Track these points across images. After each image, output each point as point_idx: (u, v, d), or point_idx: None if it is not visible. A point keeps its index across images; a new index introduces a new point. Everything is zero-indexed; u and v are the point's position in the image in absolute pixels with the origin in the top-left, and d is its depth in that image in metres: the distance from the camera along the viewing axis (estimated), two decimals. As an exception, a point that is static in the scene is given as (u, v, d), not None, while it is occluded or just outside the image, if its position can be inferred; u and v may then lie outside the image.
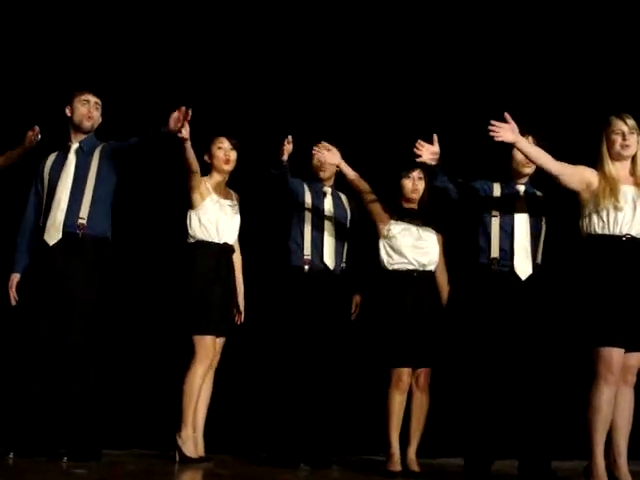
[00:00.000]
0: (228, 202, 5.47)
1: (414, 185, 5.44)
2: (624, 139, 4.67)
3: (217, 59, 6.34)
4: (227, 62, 6.33)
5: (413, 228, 5.39)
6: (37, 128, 5.24)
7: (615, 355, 4.50)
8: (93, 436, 5.02)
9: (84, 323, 5.03)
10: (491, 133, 4.65)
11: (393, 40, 6.44)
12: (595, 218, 4.63)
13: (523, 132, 4.88)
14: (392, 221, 5.42)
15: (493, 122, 4.65)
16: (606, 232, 4.61)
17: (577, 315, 4.63)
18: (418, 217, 5.45)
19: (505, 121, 4.67)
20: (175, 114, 4.93)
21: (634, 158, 4.71)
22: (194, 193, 5.36)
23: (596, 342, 4.53)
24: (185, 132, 5.01)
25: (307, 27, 6.41)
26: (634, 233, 4.60)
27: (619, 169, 4.69)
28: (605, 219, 4.61)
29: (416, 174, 5.42)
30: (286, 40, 6.41)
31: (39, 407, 5.03)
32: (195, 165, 5.28)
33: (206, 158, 5.48)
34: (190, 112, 4.89)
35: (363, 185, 5.47)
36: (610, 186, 4.62)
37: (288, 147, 5.31)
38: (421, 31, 6.44)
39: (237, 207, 5.52)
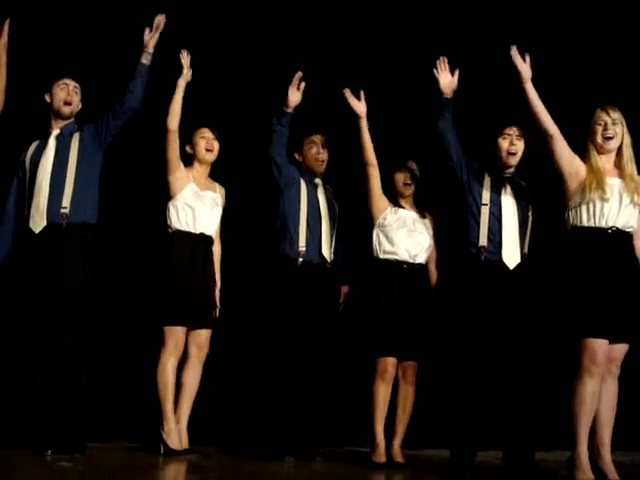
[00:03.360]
0: (209, 193, 5.46)
1: (407, 178, 5.45)
2: (605, 129, 4.68)
3: (201, 48, 6.30)
4: (211, 52, 6.28)
5: (408, 219, 5.41)
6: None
7: (599, 346, 4.52)
8: (77, 429, 4.99)
9: (72, 314, 5.00)
10: (514, 57, 4.76)
11: (383, 31, 6.42)
12: (581, 210, 4.65)
13: (507, 123, 4.95)
14: (389, 209, 5.43)
15: (514, 49, 4.78)
16: (592, 224, 4.62)
17: (562, 306, 4.65)
18: (413, 209, 5.47)
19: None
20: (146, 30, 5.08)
21: (620, 150, 4.72)
22: (174, 180, 5.33)
23: (580, 333, 4.54)
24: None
25: (295, 14, 6.38)
26: (620, 225, 4.62)
27: (605, 162, 4.71)
28: (591, 211, 4.62)
29: (408, 166, 5.45)
30: (274, 27, 6.36)
31: (24, 399, 5.02)
32: (178, 113, 5.28)
33: (188, 149, 5.46)
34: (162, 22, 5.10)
35: (373, 156, 5.41)
36: (596, 178, 4.64)
37: (297, 94, 5.32)
38: (412, 22, 6.43)
39: (220, 200, 5.50)
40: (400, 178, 5.45)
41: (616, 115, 4.70)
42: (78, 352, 5.01)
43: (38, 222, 5.07)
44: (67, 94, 5.23)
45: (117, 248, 5.92)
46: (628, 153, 4.72)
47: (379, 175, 5.42)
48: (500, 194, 5.03)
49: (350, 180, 5.75)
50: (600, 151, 4.71)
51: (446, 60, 5.03)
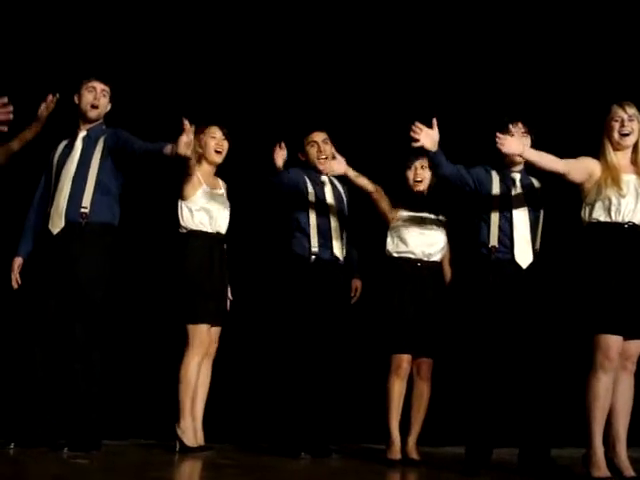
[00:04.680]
0: (218, 191, 5.46)
1: (417, 175, 5.43)
2: (622, 125, 4.67)
3: (211, 48, 6.33)
4: (221, 50, 6.32)
5: (420, 217, 5.40)
6: (51, 96, 5.22)
7: (613, 342, 4.51)
8: (94, 426, 5.01)
9: (89, 313, 5.02)
10: (498, 145, 4.70)
11: (392, 31, 6.44)
12: (597, 206, 4.64)
13: (513, 120, 4.93)
14: (399, 210, 5.43)
15: (498, 135, 4.72)
16: (608, 220, 4.61)
17: (576, 302, 4.64)
18: (425, 206, 5.45)
19: (428, 128, 4.79)
20: (184, 138, 4.82)
21: (635, 147, 4.71)
22: (186, 184, 5.34)
23: (595, 329, 4.54)
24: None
25: (302, 16, 6.40)
26: (636, 221, 4.61)
27: (620, 158, 4.69)
28: (607, 207, 4.61)
29: (418, 163, 5.41)
30: (281, 28, 6.40)
31: (41, 397, 5.04)
32: (195, 169, 5.27)
33: (197, 147, 5.42)
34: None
35: (370, 187, 5.41)
36: (612, 175, 4.63)
37: (282, 153, 5.28)
38: (420, 22, 6.44)
39: (225, 195, 5.50)
40: (411, 175, 5.44)
41: (633, 111, 4.68)
42: (91, 351, 5.02)
43: (56, 223, 5.09)
44: (94, 97, 5.24)
45: (128, 248, 5.88)
46: None
47: (384, 195, 5.42)
48: (510, 192, 5.01)
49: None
50: (616, 147, 4.70)
51: (419, 125, 4.87)
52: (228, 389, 5.67)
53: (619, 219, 4.60)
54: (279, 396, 5.40)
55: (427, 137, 4.87)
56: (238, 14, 6.38)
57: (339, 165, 5.39)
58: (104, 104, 5.28)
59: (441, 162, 4.94)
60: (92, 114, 5.25)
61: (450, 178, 4.99)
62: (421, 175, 5.44)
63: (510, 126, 5.02)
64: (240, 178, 5.75)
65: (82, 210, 5.07)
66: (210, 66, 6.30)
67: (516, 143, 4.74)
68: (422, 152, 5.19)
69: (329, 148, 5.57)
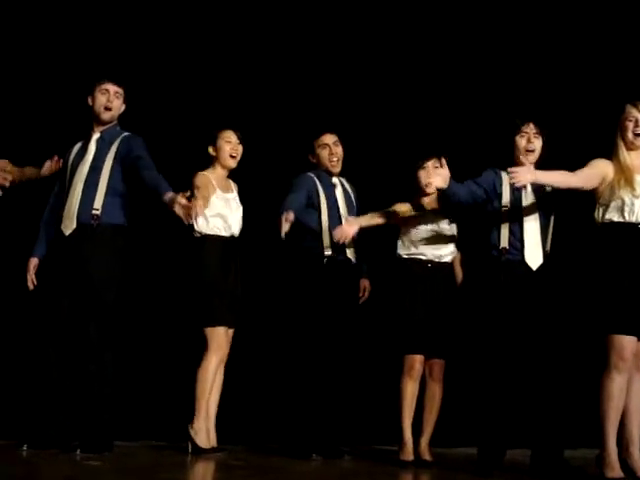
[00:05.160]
0: (231, 195, 5.46)
1: (430, 176, 5.41)
2: (636, 125, 4.65)
3: (223, 51, 6.34)
4: (232, 53, 6.33)
5: (430, 219, 5.39)
6: (56, 158, 5.24)
7: (627, 343, 4.50)
8: (106, 428, 5.02)
9: (101, 314, 5.03)
10: (511, 180, 4.71)
11: (402, 32, 6.43)
12: (610, 206, 4.63)
13: (524, 121, 4.93)
14: (410, 210, 5.41)
15: (510, 170, 4.73)
16: (621, 220, 4.60)
17: (589, 303, 4.63)
18: (435, 208, 5.43)
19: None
20: (184, 212, 4.79)
21: None
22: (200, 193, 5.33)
23: (608, 329, 4.52)
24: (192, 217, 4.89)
25: (312, 19, 6.40)
26: None
27: (634, 158, 4.68)
28: (621, 207, 4.60)
29: (431, 164, 5.37)
30: (291, 31, 6.40)
31: (54, 399, 5.04)
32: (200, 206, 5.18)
33: (211, 151, 5.45)
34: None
35: (382, 221, 5.40)
36: (625, 176, 4.62)
37: (286, 225, 5.19)
38: (431, 22, 6.43)
39: (237, 198, 5.50)
40: (423, 176, 5.41)
41: None
42: (104, 351, 5.03)
43: (68, 224, 5.12)
44: (107, 100, 5.24)
45: (143, 251, 5.92)
46: None
47: (395, 217, 5.40)
48: (520, 194, 4.99)
49: (370, 176, 5.77)
50: (630, 147, 4.69)
51: (432, 170, 4.98)
52: (240, 390, 5.67)
53: (632, 219, 4.59)
54: (291, 397, 5.40)
55: (439, 177, 4.88)
56: (249, 17, 6.38)
57: (350, 229, 5.30)
58: (117, 106, 5.28)
59: (455, 192, 4.94)
60: (105, 116, 5.26)
61: (464, 201, 5.00)
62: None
63: (521, 128, 5.01)
64: (252, 179, 5.74)
65: (94, 212, 5.09)
66: (221, 69, 6.30)
67: (527, 173, 4.73)
68: (435, 153, 5.22)
69: (340, 150, 5.59)
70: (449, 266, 5.39)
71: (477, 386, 5.02)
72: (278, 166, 6.05)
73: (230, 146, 5.44)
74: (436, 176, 4.89)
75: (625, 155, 4.68)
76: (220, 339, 5.26)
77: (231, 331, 5.37)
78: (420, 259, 5.34)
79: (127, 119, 5.37)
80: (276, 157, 6.14)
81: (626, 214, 4.59)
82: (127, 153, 5.15)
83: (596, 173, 4.70)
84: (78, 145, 5.31)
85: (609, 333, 4.51)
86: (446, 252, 5.37)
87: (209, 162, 5.47)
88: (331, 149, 5.56)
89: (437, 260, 5.34)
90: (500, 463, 4.90)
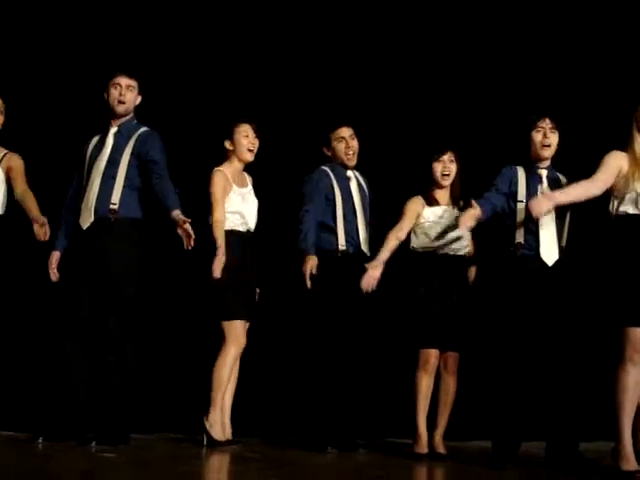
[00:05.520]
0: (247, 189, 5.48)
1: (445, 169, 5.41)
2: None
3: (239, 43, 6.35)
4: (248, 43, 6.32)
5: (444, 214, 5.38)
6: (45, 224, 5.10)
7: None
8: (121, 420, 5.05)
9: (121, 306, 5.07)
10: (530, 213, 4.74)
11: (418, 24, 6.43)
12: (625, 199, 4.62)
13: (540, 116, 4.91)
14: (423, 209, 5.40)
15: (529, 205, 4.76)
16: (636, 212, 4.60)
17: (605, 295, 4.62)
18: (449, 201, 5.44)
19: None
20: (184, 234, 4.93)
21: None
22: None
23: (624, 322, 4.51)
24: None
25: (328, 10, 6.40)
26: None
27: None
28: (635, 200, 4.60)
29: (447, 157, 5.39)
30: (309, 23, 6.40)
31: (69, 392, 5.08)
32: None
33: (227, 145, 5.45)
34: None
35: (398, 241, 5.36)
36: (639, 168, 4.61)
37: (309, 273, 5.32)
38: (444, 16, 6.43)
39: (252, 191, 5.51)
40: (438, 169, 5.41)
41: None
42: (125, 344, 5.08)
43: (86, 218, 5.16)
44: (120, 94, 5.27)
45: (160, 245, 5.85)
46: None
47: (408, 228, 5.38)
48: (536, 189, 5.00)
49: (384, 169, 5.77)
50: None
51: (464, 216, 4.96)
52: (255, 383, 5.68)
53: None
54: (306, 390, 5.41)
55: (471, 219, 4.92)
56: (266, 8, 6.38)
57: (376, 273, 5.26)
58: (131, 99, 5.31)
59: (486, 218, 5.00)
60: (119, 109, 5.28)
61: (493, 215, 5.03)
62: (449, 169, 5.42)
63: (537, 123, 5.00)
64: (267, 172, 5.75)
65: (111, 206, 5.13)
66: (237, 61, 6.31)
67: (544, 202, 4.75)
68: (451, 145, 5.27)
69: (356, 143, 5.59)
70: (463, 259, 5.39)
71: (492, 379, 5.02)
72: (293, 158, 6.05)
73: (248, 140, 5.44)
74: (470, 219, 4.93)
75: None
76: (237, 332, 5.28)
77: (247, 324, 5.38)
78: (434, 253, 5.34)
79: (144, 112, 5.40)
80: (291, 149, 6.13)
81: None
82: (143, 152, 5.19)
83: (611, 173, 4.70)
84: (96, 138, 5.35)
85: (624, 326, 4.51)
86: (461, 246, 5.36)
87: (224, 156, 5.47)
88: (347, 142, 5.57)
89: (452, 253, 5.34)
90: (515, 456, 4.90)
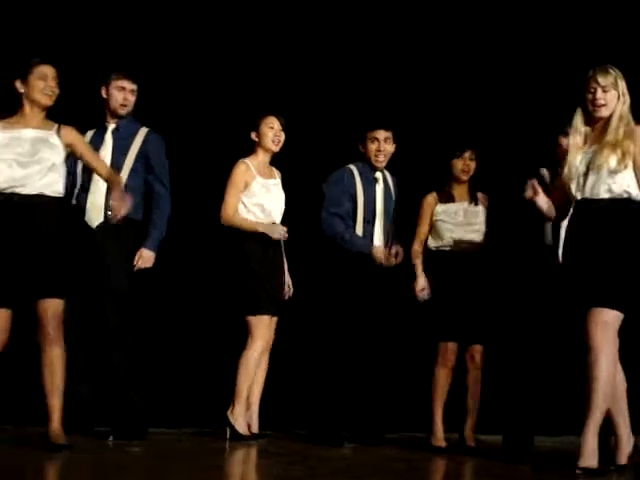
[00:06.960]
0: (272, 181, 5.53)
1: (465, 166, 5.46)
2: None
3: (271, 37, 6.35)
4: (281, 39, 6.33)
5: (459, 211, 5.44)
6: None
7: None
8: (137, 415, 5.15)
9: (116, 300, 5.16)
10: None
11: (441, 22, 6.42)
12: None
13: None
14: (439, 204, 5.48)
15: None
16: None
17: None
18: (466, 197, 5.49)
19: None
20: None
21: None
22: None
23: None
24: None
25: (349, 10, 6.43)
26: None
27: None
28: None
29: (468, 155, 5.45)
30: (348, 18, 6.41)
31: (79, 385, 5.18)
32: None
33: (253, 136, 5.50)
34: None
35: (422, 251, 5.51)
36: None
37: None
38: (465, 13, 6.42)
39: (280, 184, 5.58)
40: (458, 165, 5.46)
41: None
42: (125, 336, 5.16)
43: (95, 217, 5.23)
44: (124, 98, 5.33)
45: (184, 239, 5.98)
46: None
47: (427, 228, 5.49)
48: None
49: (405, 170, 5.82)
50: None
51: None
52: (274, 377, 5.72)
53: None
54: (323, 385, 5.48)
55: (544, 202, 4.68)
56: (303, 6, 6.41)
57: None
58: (133, 102, 5.37)
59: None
60: (122, 111, 5.34)
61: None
62: (469, 166, 5.47)
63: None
64: (294, 167, 5.83)
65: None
66: (268, 55, 6.31)
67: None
68: (473, 144, 5.31)
69: (389, 147, 5.63)
70: (479, 255, 5.41)
71: (505, 374, 5.07)
72: (321, 154, 6.10)
73: (273, 132, 5.49)
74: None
75: None
76: (264, 327, 5.36)
77: (275, 319, 5.47)
78: (451, 250, 5.41)
79: (169, 107, 5.59)
80: (320, 145, 6.18)
81: None
82: (146, 160, 5.31)
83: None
84: (90, 133, 5.36)
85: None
86: (476, 241, 5.41)
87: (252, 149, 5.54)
88: (380, 145, 5.61)
89: (467, 251, 5.38)
90: (527, 450, 4.92)
